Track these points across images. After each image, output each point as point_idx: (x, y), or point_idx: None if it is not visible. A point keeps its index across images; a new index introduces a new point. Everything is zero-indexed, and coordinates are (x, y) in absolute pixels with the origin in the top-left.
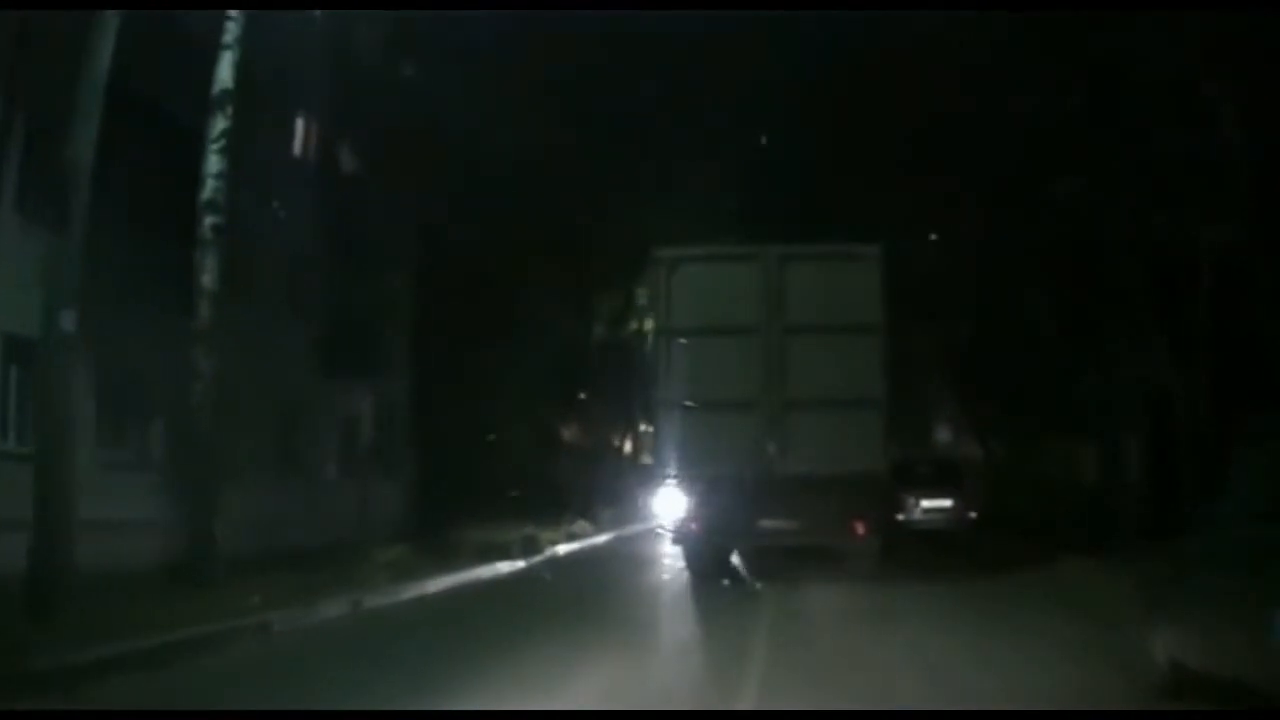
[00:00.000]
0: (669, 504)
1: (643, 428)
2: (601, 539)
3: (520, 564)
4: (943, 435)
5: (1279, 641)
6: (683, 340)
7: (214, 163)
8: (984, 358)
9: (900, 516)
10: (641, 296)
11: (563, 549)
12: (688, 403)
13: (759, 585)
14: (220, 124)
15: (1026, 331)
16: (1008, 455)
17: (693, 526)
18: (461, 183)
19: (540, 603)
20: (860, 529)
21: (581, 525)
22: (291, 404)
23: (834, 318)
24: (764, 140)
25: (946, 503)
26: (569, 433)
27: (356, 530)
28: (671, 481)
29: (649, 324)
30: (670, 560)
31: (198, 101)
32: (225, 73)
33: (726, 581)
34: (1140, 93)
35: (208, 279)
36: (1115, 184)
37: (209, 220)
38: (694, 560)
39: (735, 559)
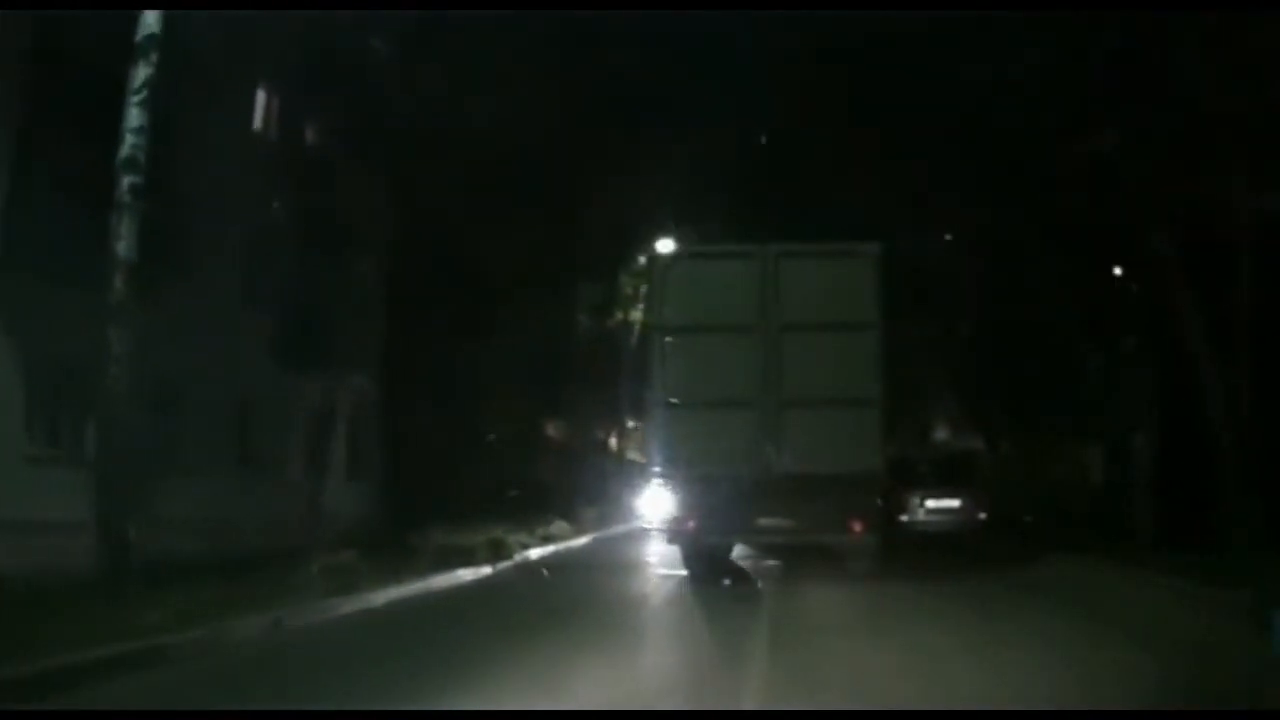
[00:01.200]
0: (656, 503)
1: (630, 424)
2: (581, 541)
3: (486, 571)
4: (947, 432)
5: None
6: (671, 338)
7: (135, 116)
8: (990, 350)
9: (903, 518)
10: (628, 286)
11: (536, 553)
12: (672, 400)
13: (760, 584)
14: (143, 73)
15: (1037, 318)
16: (1012, 453)
17: (689, 526)
18: (439, 166)
19: (500, 619)
20: (858, 527)
21: (560, 526)
22: (248, 396)
23: (831, 316)
24: (763, 140)
25: (954, 503)
26: (553, 429)
27: (317, 533)
28: (659, 480)
29: (635, 315)
30: (656, 560)
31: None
32: (151, 16)
33: (728, 581)
34: (1174, 39)
35: (123, 247)
36: (1142, 146)
37: (127, 180)
38: (691, 560)
39: (734, 557)
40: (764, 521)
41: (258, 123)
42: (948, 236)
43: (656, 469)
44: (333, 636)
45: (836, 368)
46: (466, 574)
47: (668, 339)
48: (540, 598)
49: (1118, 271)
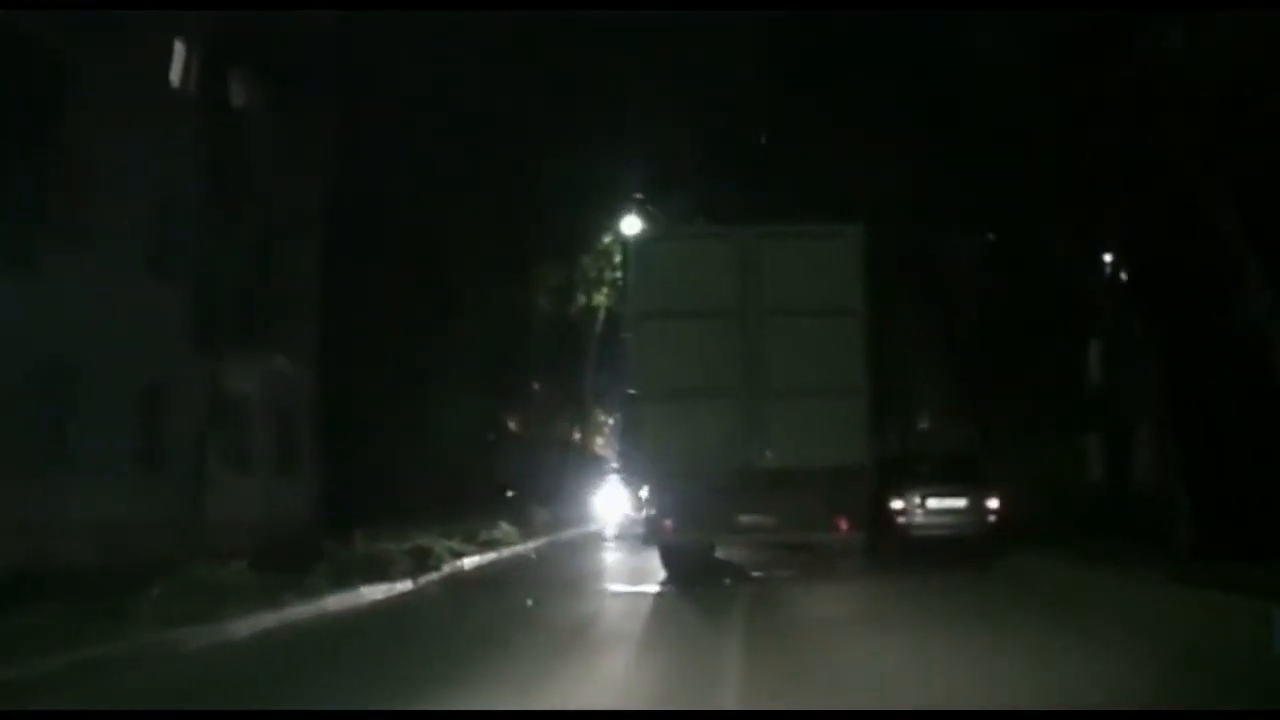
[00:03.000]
0: (614, 504)
1: (603, 417)
2: (528, 546)
3: (403, 587)
4: (929, 422)
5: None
6: (644, 326)
7: None
8: (991, 338)
9: (901, 520)
10: (590, 268)
11: (470, 562)
12: (643, 391)
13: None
14: None
15: (1039, 304)
16: (1009, 446)
17: (666, 524)
18: (384, 133)
19: (389, 668)
20: (844, 524)
21: (505, 530)
22: (157, 381)
23: (814, 301)
24: (763, 140)
25: (959, 503)
26: (512, 421)
27: (227, 538)
28: (622, 478)
29: (600, 298)
30: (611, 571)
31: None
32: None
33: (728, 580)
34: None
35: None
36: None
37: None
38: (670, 561)
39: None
40: (745, 519)
41: (175, 76)
42: (990, 237)
43: (618, 465)
44: (149, 687)
45: (821, 355)
46: (376, 591)
47: (640, 326)
48: (457, 629)
49: (1108, 258)
